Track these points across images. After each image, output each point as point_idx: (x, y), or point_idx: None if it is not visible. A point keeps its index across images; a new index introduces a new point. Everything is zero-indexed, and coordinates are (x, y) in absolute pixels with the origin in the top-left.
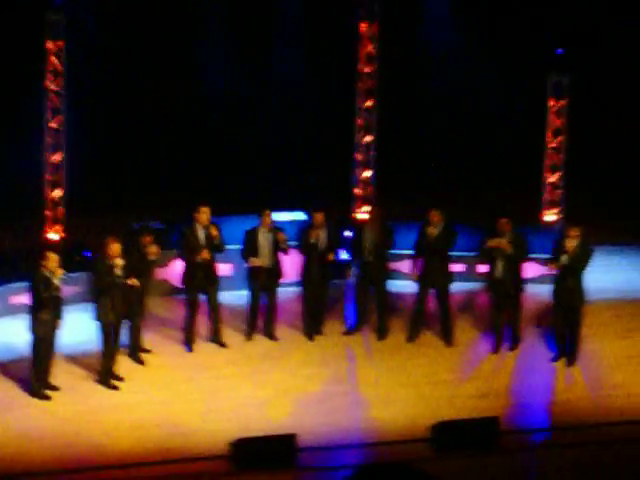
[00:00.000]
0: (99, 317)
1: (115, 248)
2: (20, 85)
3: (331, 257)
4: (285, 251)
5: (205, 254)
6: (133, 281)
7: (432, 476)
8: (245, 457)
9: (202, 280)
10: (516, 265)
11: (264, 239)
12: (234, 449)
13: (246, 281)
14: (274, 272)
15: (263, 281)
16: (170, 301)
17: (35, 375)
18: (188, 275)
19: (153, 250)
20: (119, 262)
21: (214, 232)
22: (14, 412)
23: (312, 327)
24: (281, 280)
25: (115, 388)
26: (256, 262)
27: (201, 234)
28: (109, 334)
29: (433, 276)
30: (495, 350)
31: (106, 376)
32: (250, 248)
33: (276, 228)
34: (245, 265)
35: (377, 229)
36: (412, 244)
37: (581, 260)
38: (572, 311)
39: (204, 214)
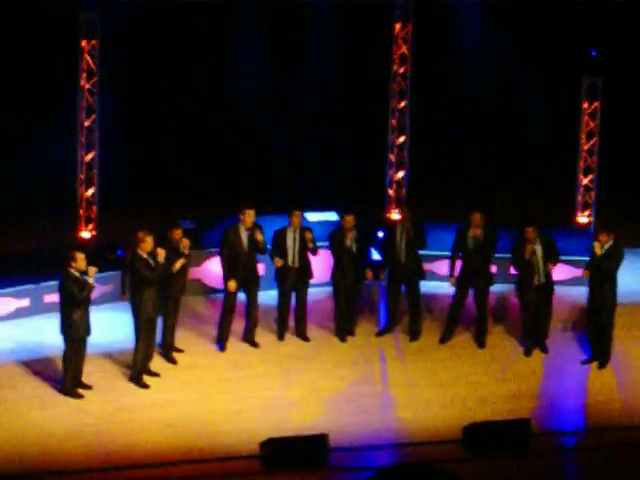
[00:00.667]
0: (136, 312)
1: (148, 241)
2: (54, 84)
3: (370, 275)
4: (313, 251)
5: (178, 264)
6: (180, 262)
7: (454, 476)
8: (276, 457)
9: (243, 280)
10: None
11: (292, 239)
12: (265, 449)
13: (276, 281)
14: (303, 272)
15: (292, 281)
16: (203, 300)
17: (68, 374)
18: (229, 275)
19: (185, 243)
20: (160, 251)
21: (259, 237)
22: (47, 411)
23: (344, 328)
24: (311, 280)
25: (145, 387)
26: (280, 263)
27: (244, 236)
28: (145, 330)
29: (473, 278)
30: (527, 352)
31: (139, 372)
32: (278, 248)
33: (304, 228)
34: (273, 263)
35: (409, 230)
36: (450, 246)
37: (613, 263)
38: (604, 313)
39: (249, 217)
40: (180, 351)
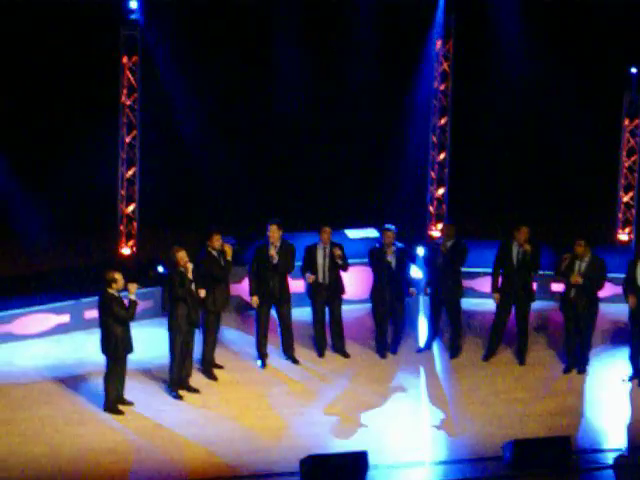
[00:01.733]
0: (172, 327)
1: (182, 255)
2: (95, 100)
3: (413, 293)
4: (343, 268)
5: (202, 292)
6: (201, 292)
7: None
8: (316, 474)
9: (271, 297)
10: (592, 288)
11: (322, 256)
12: (304, 466)
13: (309, 298)
14: (334, 288)
15: (324, 297)
16: (243, 317)
17: (109, 391)
18: (259, 291)
19: (228, 249)
20: (189, 267)
21: (271, 252)
22: (86, 427)
23: (384, 345)
24: (344, 296)
25: (179, 397)
26: (311, 279)
27: (272, 252)
28: (180, 344)
29: (516, 294)
30: (567, 370)
31: (174, 386)
32: (309, 264)
33: (333, 244)
34: (304, 280)
35: (450, 247)
36: (492, 261)
37: None
38: None
39: (274, 232)
40: (220, 367)
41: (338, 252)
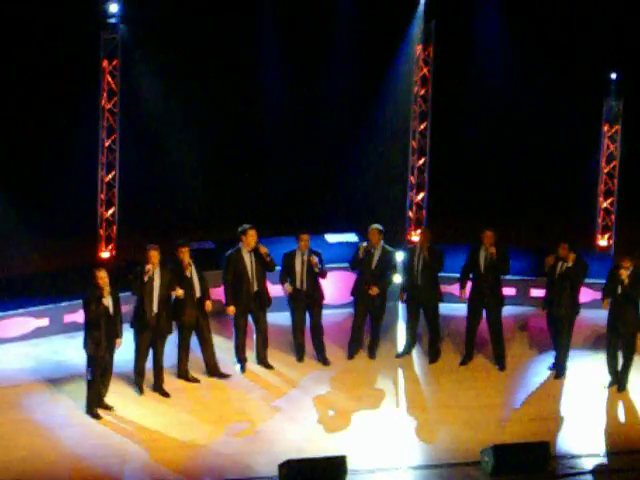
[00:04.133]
0: (133, 324)
1: (152, 255)
2: (76, 104)
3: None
4: (321, 275)
5: (179, 292)
6: (177, 292)
7: None
8: (294, 479)
9: (248, 303)
10: (573, 289)
11: (300, 263)
12: (283, 470)
13: (288, 305)
14: (312, 295)
15: (303, 304)
16: (221, 322)
17: (89, 394)
18: (236, 297)
19: (264, 251)
20: (150, 268)
21: (263, 250)
22: (66, 430)
23: (357, 345)
24: (323, 302)
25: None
26: (289, 289)
27: (247, 258)
28: (141, 343)
29: (486, 299)
30: (553, 368)
31: (139, 384)
32: (287, 272)
33: (310, 251)
34: (282, 290)
35: (427, 252)
36: (462, 266)
37: (636, 289)
38: (626, 338)
39: (251, 237)
40: (197, 381)
41: (314, 260)
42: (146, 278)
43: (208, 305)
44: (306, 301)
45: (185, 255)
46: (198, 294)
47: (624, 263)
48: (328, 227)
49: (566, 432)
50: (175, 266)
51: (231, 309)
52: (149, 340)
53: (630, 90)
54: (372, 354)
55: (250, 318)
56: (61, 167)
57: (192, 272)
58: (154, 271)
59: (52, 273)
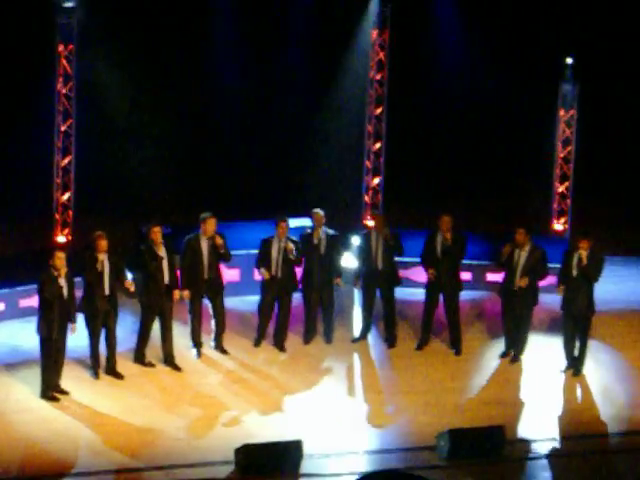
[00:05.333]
0: (83, 309)
1: (102, 244)
2: (31, 88)
3: (339, 283)
4: (296, 263)
5: (128, 285)
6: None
7: None
8: (250, 463)
9: (205, 289)
10: (533, 279)
11: (277, 250)
12: (239, 455)
13: (260, 290)
14: (286, 283)
15: (275, 291)
16: (179, 306)
17: (44, 377)
18: (190, 282)
19: (219, 241)
20: (102, 257)
21: (218, 241)
22: (22, 415)
23: (310, 331)
24: (294, 291)
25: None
26: (267, 275)
27: (204, 245)
28: (94, 327)
29: (443, 284)
30: (505, 354)
31: (94, 368)
32: (264, 258)
33: (287, 239)
34: (259, 274)
35: (387, 236)
36: (420, 251)
37: (592, 271)
38: (581, 321)
39: (210, 225)
40: (152, 365)
41: (290, 246)
42: (99, 267)
43: (176, 294)
44: (277, 289)
45: (157, 235)
46: (167, 279)
47: (581, 244)
48: (282, 211)
49: (522, 416)
50: (148, 246)
51: (186, 293)
52: (102, 323)
53: (585, 74)
54: (329, 339)
55: (208, 303)
56: (17, 151)
57: (163, 254)
58: (104, 258)
59: (7, 257)
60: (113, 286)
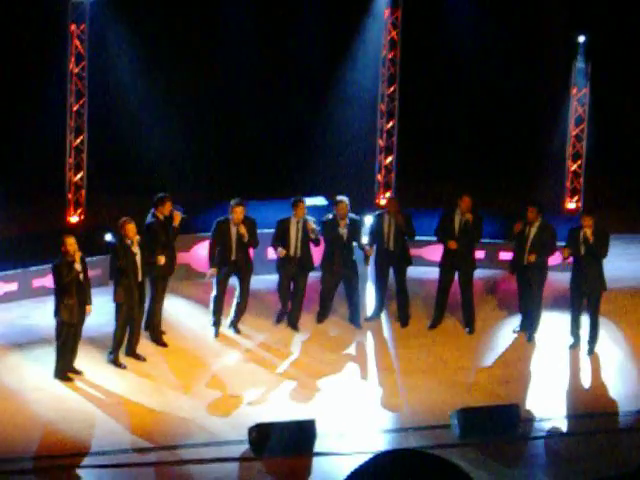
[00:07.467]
0: (116, 298)
1: (131, 228)
2: (44, 68)
3: (370, 252)
4: (316, 242)
5: (161, 260)
6: (161, 259)
7: (449, 462)
8: (263, 442)
9: (233, 268)
10: (542, 253)
11: (295, 230)
12: (253, 434)
13: (277, 269)
14: (304, 262)
15: (293, 270)
16: (191, 285)
17: (58, 359)
18: (219, 263)
19: (177, 217)
20: (136, 240)
21: (242, 230)
22: (35, 394)
23: (325, 312)
24: (310, 270)
25: (119, 366)
26: (283, 253)
27: (233, 231)
28: (125, 314)
29: (458, 262)
30: (519, 331)
31: (115, 355)
32: (281, 237)
33: (306, 219)
34: (275, 253)
35: (399, 221)
36: (434, 229)
37: (598, 247)
38: (591, 299)
39: (237, 214)
40: (162, 333)
41: (311, 226)
42: (130, 255)
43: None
44: (295, 268)
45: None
46: (140, 276)
47: (585, 222)
48: (297, 191)
49: (535, 395)
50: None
51: (212, 271)
52: (132, 311)
53: (598, 53)
54: (358, 324)
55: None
56: (29, 132)
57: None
58: (134, 243)
59: (21, 237)
60: (144, 272)
